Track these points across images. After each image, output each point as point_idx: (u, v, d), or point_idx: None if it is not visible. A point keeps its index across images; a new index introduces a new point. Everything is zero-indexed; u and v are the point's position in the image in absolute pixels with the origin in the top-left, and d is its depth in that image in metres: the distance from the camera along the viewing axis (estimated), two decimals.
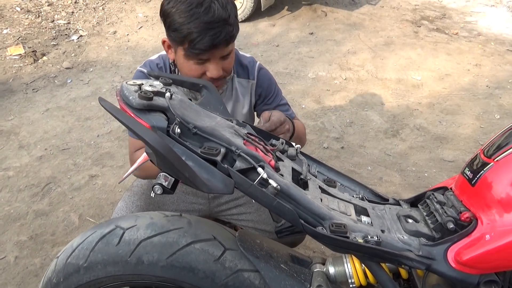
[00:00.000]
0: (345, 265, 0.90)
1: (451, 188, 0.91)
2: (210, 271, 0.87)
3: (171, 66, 1.33)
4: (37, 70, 3.53)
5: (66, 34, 4.25)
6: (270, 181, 0.75)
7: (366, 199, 0.97)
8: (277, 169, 0.83)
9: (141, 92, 0.77)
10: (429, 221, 0.85)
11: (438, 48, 4.26)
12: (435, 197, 0.88)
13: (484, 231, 0.76)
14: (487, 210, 0.77)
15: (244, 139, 0.84)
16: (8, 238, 1.84)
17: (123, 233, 0.91)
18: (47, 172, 2.29)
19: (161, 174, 0.76)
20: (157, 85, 0.85)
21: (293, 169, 0.90)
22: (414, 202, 0.96)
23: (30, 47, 3.85)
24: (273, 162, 0.83)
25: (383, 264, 0.86)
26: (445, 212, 0.82)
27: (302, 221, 0.73)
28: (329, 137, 2.75)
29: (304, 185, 0.89)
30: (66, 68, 3.60)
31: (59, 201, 2.07)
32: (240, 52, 1.45)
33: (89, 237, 0.94)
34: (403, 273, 0.89)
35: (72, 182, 2.22)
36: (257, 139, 0.88)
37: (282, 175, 0.83)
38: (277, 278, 0.88)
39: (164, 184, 0.74)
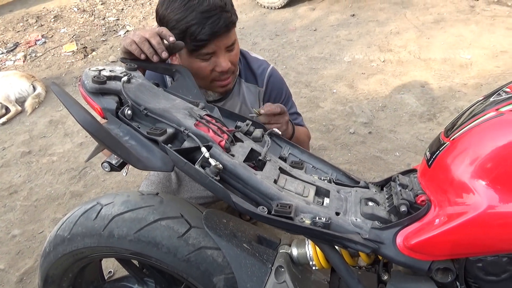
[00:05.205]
0: (306, 247, 0.89)
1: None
2: (173, 247, 0.91)
3: None
4: (86, 64, 3.83)
5: (114, 30, 4.54)
6: (210, 160, 0.76)
7: (333, 182, 0.94)
8: (227, 150, 0.84)
9: (94, 77, 0.82)
10: (386, 204, 0.81)
11: (496, 23, 3.85)
12: (399, 180, 0.83)
13: (435, 215, 0.71)
14: (440, 192, 0.71)
15: (197, 120, 0.86)
16: (47, 215, 2.06)
17: (101, 208, 0.99)
18: (85, 157, 2.50)
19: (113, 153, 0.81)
20: (118, 70, 0.90)
21: (252, 149, 0.90)
22: (383, 185, 0.92)
23: (82, 44, 4.18)
24: (223, 143, 0.84)
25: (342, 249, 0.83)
26: (401, 195, 0.78)
27: (235, 200, 0.73)
28: (357, 122, 2.64)
29: (262, 165, 0.89)
30: (112, 61, 3.86)
31: (92, 183, 2.27)
32: (252, 55, 1.41)
33: (75, 212, 1.03)
34: (364, 257, 0.85)
35: None
36: (213, 121, 0.90)
37: (233, 155, 0.84)
38: (238, 257, 0.90)
39: (112, 162, 0.79)
